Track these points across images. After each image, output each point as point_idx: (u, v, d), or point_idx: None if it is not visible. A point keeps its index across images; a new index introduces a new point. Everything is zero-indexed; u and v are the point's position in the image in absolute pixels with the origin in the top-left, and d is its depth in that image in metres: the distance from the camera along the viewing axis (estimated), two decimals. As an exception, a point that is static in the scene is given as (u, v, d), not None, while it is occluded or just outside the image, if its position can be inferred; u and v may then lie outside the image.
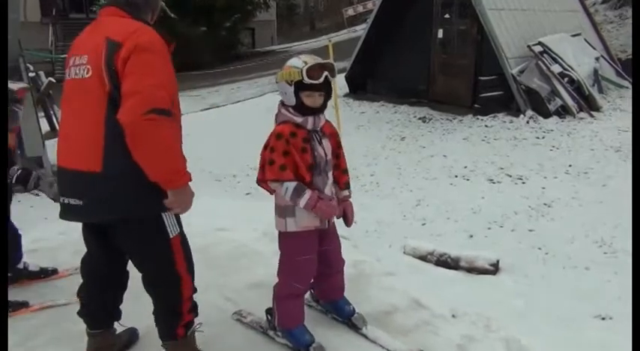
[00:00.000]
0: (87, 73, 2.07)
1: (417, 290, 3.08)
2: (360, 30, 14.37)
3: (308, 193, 2.32)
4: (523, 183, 5.50)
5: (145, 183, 2.02)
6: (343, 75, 10.22)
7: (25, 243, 3.71)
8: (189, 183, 2.11)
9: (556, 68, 8.06)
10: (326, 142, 2.47)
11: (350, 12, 24.93)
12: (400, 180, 5.82)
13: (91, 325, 2.45)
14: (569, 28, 9.20)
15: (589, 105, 8.02)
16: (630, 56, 10.19)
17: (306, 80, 2.28)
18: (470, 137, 7.37)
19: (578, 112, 7.83)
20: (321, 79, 2.30)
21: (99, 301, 2.42)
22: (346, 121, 8.04)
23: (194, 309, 2.36)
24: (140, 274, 2.31)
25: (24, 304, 2.93)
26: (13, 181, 2.94)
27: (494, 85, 8.27)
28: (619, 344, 2.65)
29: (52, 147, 6.92)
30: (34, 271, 3.25)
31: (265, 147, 2.39)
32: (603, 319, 3.02)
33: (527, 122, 7.64)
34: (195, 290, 2.34)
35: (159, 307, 2.30)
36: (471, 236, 4.29)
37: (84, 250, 3.60)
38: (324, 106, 2.42)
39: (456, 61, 9.03)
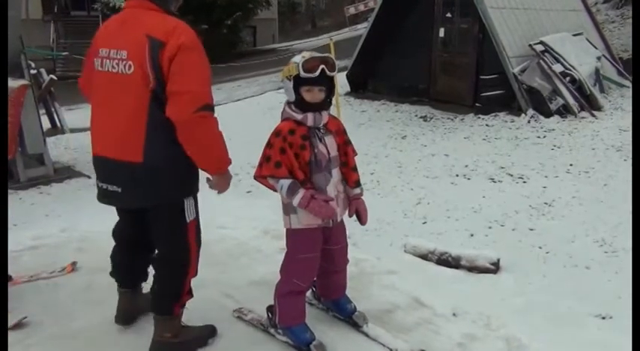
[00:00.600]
0: (128, 70, 2.21)
1: (418, 289, 3.08)
2: (362, 28, 14.36)
3: (301, 193, 2.32)
4: (524, 182, 5.50)
5: (177, 173, 2.30)
6: (344, 74, 10.22)
7: (26, 240, 3.73)
8: None
9: (557, 67, 8.05)
10: (329, 140, 2.46)
11: (351, 10, 24.86)
12: (401, 178, 5.82)
13: (121, 284, 2.73)
14: (571, 28, 9.19)
15: (590, 104, 8.01)
16: (632, 56, 10.19)
17: (303, 74, 2.28)
18: (471, 136, 7.37)
19: (579, 112, 7.82)
20: (317, 72, 2.29)
21: (128, 265, 2.70)
22: (347, 119, 8.02)
23: (191, 291, 2.55)
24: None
25: None
26: None
27: (496, 84, 8.26)
28: (619, 343, 2.65)
29: (52, 144, 6.94)
30: None
31: (266, 143, 2.40)
32: (604, 318, 3.02)
33: (529, 121, 7.64)
34: (196, 273, 2.55)
35: (162, 283, 2.48)
36: (472, 235, 4.28)
37: (86, 247, 3.64)
38: (325, 102, 2.42)
39: (458, 59, 9.02)
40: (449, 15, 9.12)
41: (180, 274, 2.46)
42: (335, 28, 24.78)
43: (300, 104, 2.37)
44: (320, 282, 2.74)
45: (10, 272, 3.14)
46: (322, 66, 2.30)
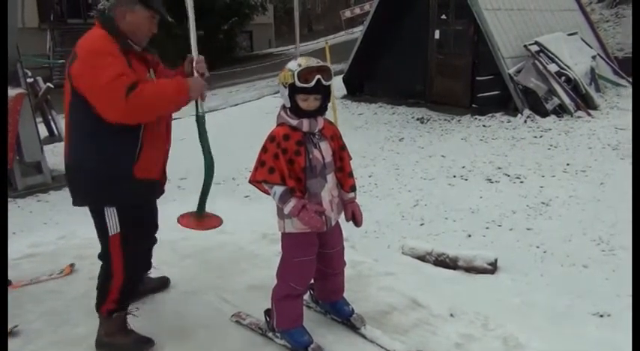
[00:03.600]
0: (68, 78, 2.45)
1: (416, 290, 3.09)
2: (358, 32, 14.39)
3: (292, 202, 2.32)
4: (521, 182, 5.51)
5: (94, 177, 2.39)
6: (341, 77, 10.24)
7: (24, 248, 3.73)
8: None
9: (553, 67, 8.08)
10: (325, 145, 2.45)
11: (347, 14, 24.97)
12: (399, 180, 5.83)
13: None
14: (566, 27, 9.22)
15: (586, 104, 8.03)
16: (627, 55, 10.22)
17: (298, 84, 2.28)
18: (468, 137, 7.38)
19: (575, 111, 7.85)
20: (313, 83, 2.28)
21: None
22: (344, 122, 8.05)
23: (122, 302, 2.60)
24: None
25: None
26: None
27: (492, 85, 8.29)
28: (617, 341, 2.66)
29: (50, 152, 6.94)
30: None
31: (261, 148, 2.41)
32: (601, 316, 3.03)
33: (525, 122, 7.66)
34: (132, 286, 2.65)
35: (98, 280, 2.61)
36: (470, 236, 4.29)
37: (85, 254, 3.64)
38: (322, 108, 2.42)
39: (453, 61, 9.05)
40: (444, 17, 9.16)
41: (104, 279, 2.55)
42: (331, 32, 24.83)
43: (296, 110, 2.37)
44: (318, 285, 2.75)
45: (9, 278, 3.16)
46: (318, 76, 2.28)
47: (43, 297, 3.14)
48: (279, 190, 2.33)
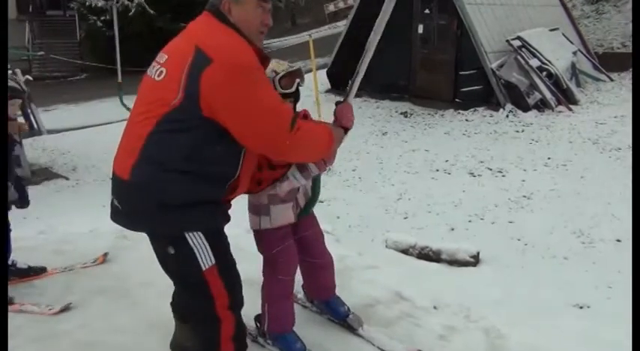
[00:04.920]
0: (158, 76, 1.86)
1: (399, 283, 3.10)
2: (342, 26, 14.37)
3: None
4: (503, 176, 5.57)
5: (178, 197, 1.85)
6: (325, 71, 10.22)
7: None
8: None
9: (534, 62, 8.16)
10: None
11: (331, 8, 24.94)
12: (382, 174, 5.85)
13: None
14: (547, 23, 9.31)
15: (567, 98, 8.13)
16: (607, 50, 10.36)
17: (280, 90, 2.27)
18: (451, 131, 7.43)
19: (556, 106, 7.94)
20: (294, 88, 2.31)
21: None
22: (328, 116, 8.00)
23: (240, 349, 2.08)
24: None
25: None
26: None
27: (475, 79, 8.35)
28: (597, 332, 2.71)
29: (29, 146, 6.84)
30: (23, 268, 3.18)
31: None
32: (581, 307, 3.08)
33: (507, 116, 7.74)
34: (241, 328, 2.07)
35: (194, 341, 2.07)
36: (452, 229, 4.33)
37: (63, 249, 3.59)
38: (295, 109, 2.43)
39: (437, 56, 9.09)
40: (427, 11, 9.18)
41: (208, 331, 2.00)
42: (315, 26, 24.75)
43: None
44: (306, 281, 2.74)
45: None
46: (297, 80, 2.32)
47: (21, 292, 3.06)
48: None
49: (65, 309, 2.82)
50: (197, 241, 1.91)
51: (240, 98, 1.77)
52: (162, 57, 1.91)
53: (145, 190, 1.85)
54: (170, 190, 1.84)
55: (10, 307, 2.86)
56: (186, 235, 1.90)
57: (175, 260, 1.95)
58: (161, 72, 1.85)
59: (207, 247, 1.93)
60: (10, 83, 2.96)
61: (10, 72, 3.19)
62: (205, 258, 1.92)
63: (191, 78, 1.76)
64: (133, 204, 1.90)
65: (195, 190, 1.87)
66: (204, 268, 1.92)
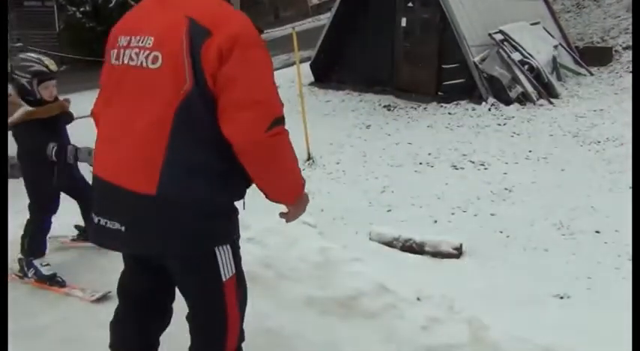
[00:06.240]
0: (153, 63, 1.58)
1: (383, 275, 3.11)
2: (325, 19, 14.33)
3: None
4: (485, 169, 5.62)
5: (205, 211, 1.63)
6: (308, 63, 10.18)
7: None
8: None
9: (516, 56, 8.22)
10: None
11: (314, 0, 24.82)
12: (366, 167, 5.86)
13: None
14: (529, 17, 9.38)
15: (548, 92, 8.21)
16: (587, 44, 10.47)
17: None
18: (434, 124, 7.47)
19: (537, 99, 8.02)
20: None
21: (139, 331, 1.94)
22: (311, 109, 8.02)
23: None
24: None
25: (60, 284, 2.92)
26: (53, 157, 2.83)
27: (457, 73, 8.39)
28: (577, 321, 2.75)
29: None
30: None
31: None
32: (562, 298, 3.13)
33: (489, 109, 7.79)
34: (242, 339, 1.92)
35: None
36: (435, 221, 4.36)
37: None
38: None
39: (420, 49, 9.10)
40: (410, 4, 9.18)
41: (214, 339, 1.83)
42: (298, 19, 24.64)
43: None
44: None
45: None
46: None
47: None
48: None
49: (103, 297, 2.78)
50: (224, 255, 1.73)
51: (245, 68, 1.56)
52: (144, 40, 1.61)
53: (179, 202, 1.59)
54: (206, 198, 1.62)
55: (60, 290, 2.90)
56: (216, 250, 1.70)
57: (198, 281, 1.76)
58: (155, 57, 1.57)
59: (231, 257, 1.74)
60: (36, 67, 2.88)
61: (34, 55, 3.12)
62: (227, 269, 1.74)
63: (193, 56, 1.53)
64: (159, 222, 1.61)
65: (229, 192, 1.68)
66: (224, 280, 1.74)
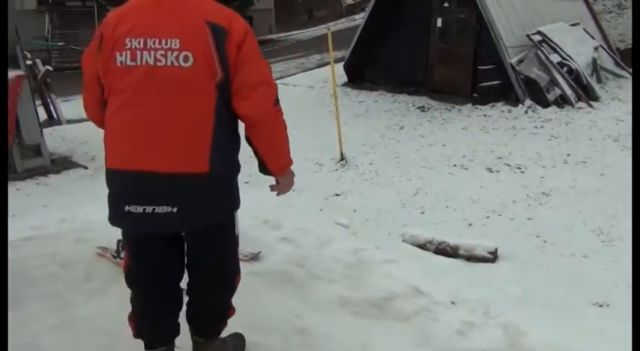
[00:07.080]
0: (185, 62, 1.82)
1: (417, 277, 3.10)
2: (359, 19, 14.31)
3: None
4: (522, 172, 5.52)
5: (236, 180, 2.05)
6: (342, 64, 10.18)
7: (26, 229, 3.72)
8: None
9: (555, 58, 8.05)
10: None
11: (349, 0, 24.82)
12: (399, 169, 5.83)
13: (153, 344, 2.15)
14: (568, 18, 9.18)
15: (587, 95, 8.02)
16: (629, 46, 10.19)
17: None
18: (469, 126, 7.37)
19: (576, 102, 7.83)
20: None
21: (163, 316, 2.14)
22: (345, 110, 8.02)
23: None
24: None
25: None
26: None
27: (493, 74, 8.25)
28: (616, 331, 2.68)
29: (49, 135, 6.91)
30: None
31: None
32: (601, 306, 3.05)
33: (526, 112, 7.64)
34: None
35: (214, 305, 2.20)
36: (470, 225, 4.30)
37: (86, 237, 3.62)
38: None
39: (455, 50, 9.00)
40: (446, 5, 9.09)
41: (230, 290, 2.21)
42: (332, 19, 24.68)
43: None
44: None
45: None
46: None
47: (39, 282, 3.09)
48: None
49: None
50: (236, 216, 2.11)
51: (253, 55, 1.91)
52: (168, 42, 1.83)
53: (226, 176, 1.97)
54: (235, 169, 2.01)
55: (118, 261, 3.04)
56: (235, 214, 2.10)
57: (226, 238, 2.10)
58: (186, 56, 1.82)
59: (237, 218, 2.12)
60: None
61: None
62: (237, 226, 2.13)
63: (220, 52, 1.84)
64: (212, 195, 1.92)
65: (238, 166, 2.03)
66: (237, 233, 2.14)
